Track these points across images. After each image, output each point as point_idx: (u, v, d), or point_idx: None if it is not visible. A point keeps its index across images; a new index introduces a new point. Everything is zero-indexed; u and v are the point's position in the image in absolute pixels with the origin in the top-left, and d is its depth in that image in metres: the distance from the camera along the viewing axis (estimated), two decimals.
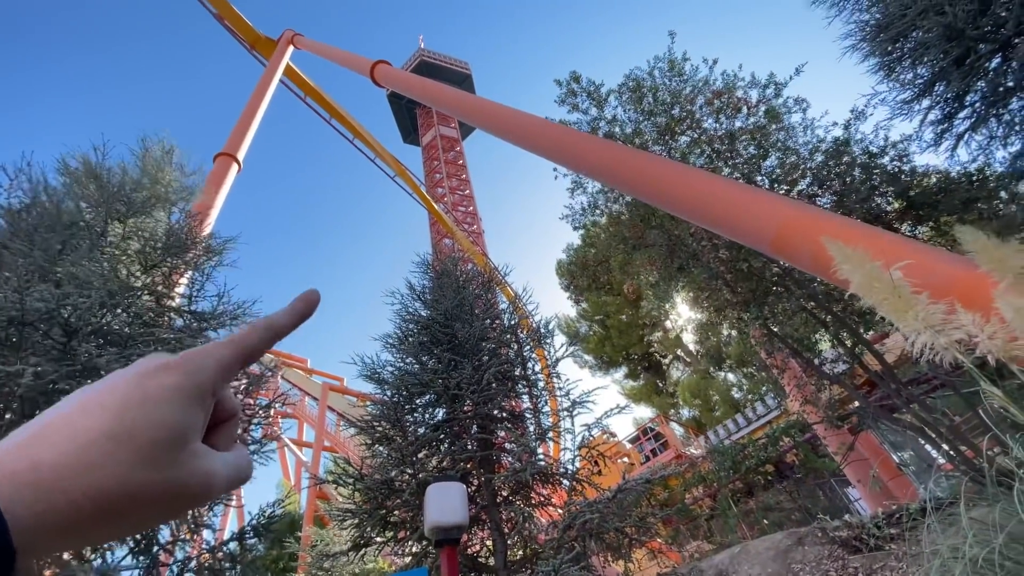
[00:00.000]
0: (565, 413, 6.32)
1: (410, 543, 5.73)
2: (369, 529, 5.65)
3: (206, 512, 5.04)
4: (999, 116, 5.31)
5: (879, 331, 8.10)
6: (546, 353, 6.94)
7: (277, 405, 6.27)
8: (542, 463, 6.15)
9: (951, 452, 5.52)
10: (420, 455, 5.91)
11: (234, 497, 5.33)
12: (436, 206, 30.24)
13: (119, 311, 4.83)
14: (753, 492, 13.17)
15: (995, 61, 4.97)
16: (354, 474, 5.68)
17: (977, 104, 5.27)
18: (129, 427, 0.29)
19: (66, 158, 6.38)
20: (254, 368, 5.79)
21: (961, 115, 5.43)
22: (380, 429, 6.06)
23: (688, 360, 25.64)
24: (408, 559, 6.21)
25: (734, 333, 9.49)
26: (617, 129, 7.65)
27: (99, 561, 4.38)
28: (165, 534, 4.72)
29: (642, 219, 7.94)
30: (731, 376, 23.69)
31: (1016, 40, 4.61)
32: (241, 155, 12.41)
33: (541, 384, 6.99)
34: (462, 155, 56.87)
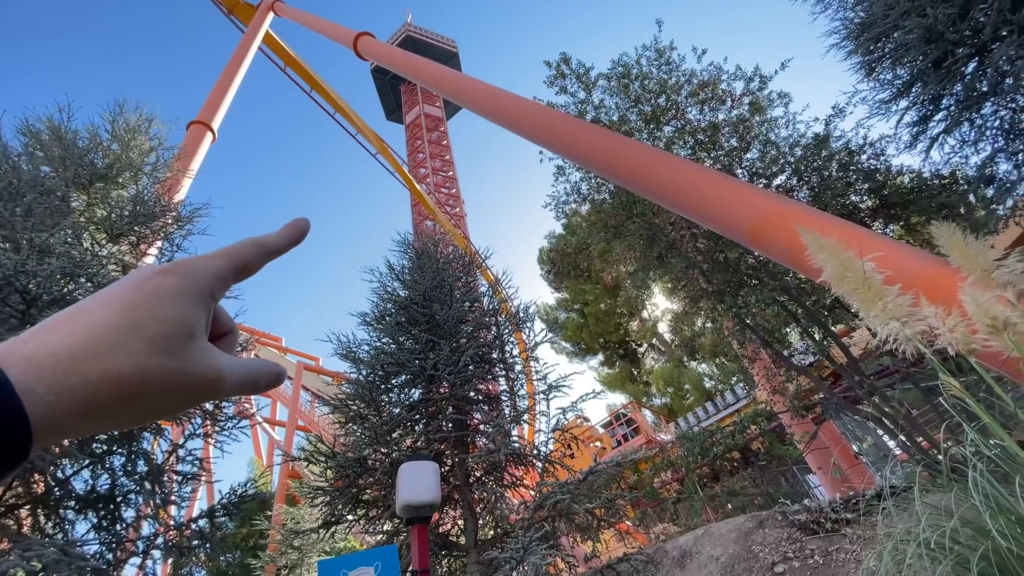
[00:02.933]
0: (541, 396, 6.38)
1: (382, 521, 5.76)
2: (340, 507, 5.65)
3: (174, 487, 4.96)
4: (972, 120, 5.46)
5: (846, 325, 8.37)
6: (524, 337, 6.97)
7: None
8: (516, 445, 6.22)
9: (907, 442, 5.78)
10: (394, 435, 5.91)
11: (204, 473, 5.25)
12: (418, 186, 29.81)
13: (83, 280, 4.64)
14: (719, 477, 13.61)
15: (971, 65, 5.08)
16: (326, 452, 5.65)
17: (952, 107, 5.40)
18: (136, 321, 0.29)
19: (30, 120, 6.05)
20: None
21: (937, 117, 5.56)
22: (355, 408, 6.02)
23: (663, 349, 26.13)
24: (380, 537, 6.24)
25: (708, 323, 9.69)
26: (603, 115, 7.62)
27: (60, 536, 4.27)
28: (131, 513, 4.63)
29: (624, 207, 7.97)
30: (703, 366, 24.25)
31: (993, 45, 4.72)
32: (216, 124, 11.97)
33: (518, 368, 7.02)
34: (446, 135, 56.01)
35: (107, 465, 4.47)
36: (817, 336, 6.95)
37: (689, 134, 7.12)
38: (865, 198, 6.34)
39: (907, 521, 2.27)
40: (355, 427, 6.03)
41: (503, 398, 6.86)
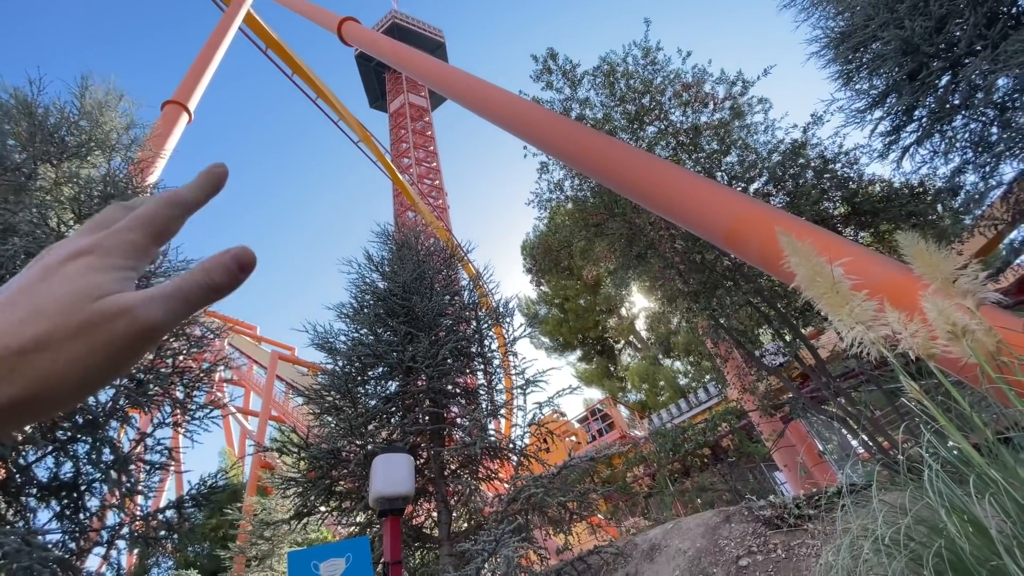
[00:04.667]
0: (519, 391, 6.42)
1: (355, 513, 5.73)
2: (313, 498, 5.60)
3: (141, 476, 4.84)
4: (943, 132, 5.66)
5: (816, 328, 8.61)
6: (504, 332, 6.99)
7: (221, 370, 6.05)
8: (492, 438, 6.25)
9: (869, 442, 6.00)
10: (370, 427, 5.88)
11: (173, 463, 5.13)
12: (401, 177, 29.47)
13: None
14: (690, 473, 13.91)
15: (945, 78, 5.26)
16: (300, 443, 5.59)
17: (924, 119, 5.59)
18: (39, 309, 0.28)
19: None
20: (195, 330, 5.53)
21: (909, 128, 5.75)
22: (330, 399, 5.97)
23: (639, 346, 26.51)
24: (353, 529, 6.22)
25: (684, 323, 9.86)
26: (588, 112, 7.65)
27: (22, 524, 4.13)
28: (95, 502, 4.51)
29: (605, 206, 8.04)
30: (678, 363, 24.69)
31: (967, 59, 4.89)
32: (192, 105, 11.60)
33: (497, 362, 7.05)
34: (431, 126, 55.43)
35: (71, 453, 4.34)
36: (787, 338, 7.16)
37: (671, 135, 7.21)
38: (838, 205, 6.53)
39: (865, 518, 2.35)
40: (330, 418, 5.98)
41: (481, 392, 6.88)
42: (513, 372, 6.61)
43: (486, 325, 7.15)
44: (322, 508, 5.80)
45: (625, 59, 7.56)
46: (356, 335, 6.40)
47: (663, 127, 7.54)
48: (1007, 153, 5.07)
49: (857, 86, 5.65)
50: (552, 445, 6.64)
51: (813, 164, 6.49)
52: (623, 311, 25.75)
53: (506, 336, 6.94)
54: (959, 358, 2.19)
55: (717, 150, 7.09)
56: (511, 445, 6.35)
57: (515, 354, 6.66)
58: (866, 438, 6.01)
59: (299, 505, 5.65)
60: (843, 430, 7.63)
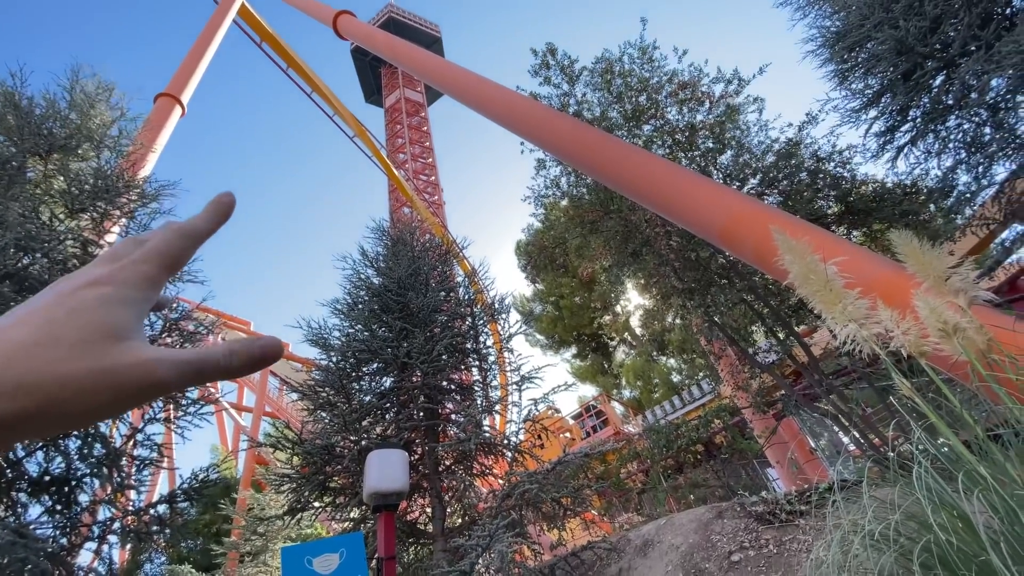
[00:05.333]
0: (514, 387, 6.43)
1: (349, 509, 5.73)
2: (307, 494, 5.59)
3: (132, 472, 4.81)
4: (937, 132, 5.69)
5: (809, 326, 8.67)
6: (499, 328, 7.00)
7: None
8: (487, 434, 6.26)
9: (860, 439, 6.06)
10: (364, 422, 5.87)
11: (164, 459, 5.10)
12: (396, 172, 29.35)
13: (38, 255, 4.43)
14: (683, 469, 14.01)
15: (939, 78, 5.29)
16: (294, 439, 5.57)
17: (918, 119, 5.62)
18: (56, 334, 0.29)
19: None
20: (188, 325, 5.50)
21: (903, 128, 5.78)
22: (324, 395, 5.95)
23: (634, 343, 26.59)
24: (347, 524, 6.21)
25: (678, 320, 9.90)
26: (585, 110, 7.64)
27: (12, 519, 4.10)
28: (86, 495, 4.48)
29: (601, 204, 8.04)
30: (672, 360, 24.79)
31: (960, 60, 4.92)
32: (186, 98, 11.49)
33: (492, 358, 7.05)
34: (427, 121, 55.20)
35: (61, 448, 4.30)
36: (781, 335, 7.20)
37: (668, 134, 7.22)
38: (831, 204, 6.57)
39: (855, 513, 2.37)
40: (324, 414, 5.97)
41: (476, 388, 6.88)
42: (508, 368, 6.62)
43: (481, 321, 7.15)
44: (316, 504, 5.80)
45: (622, 57, 7.56)
46: (350, 331, 6.38)
47: (660, 125, 7.55)
48: (999, 153, 5.11)
49: (852, 86, 5.67)
50: (546, 441, 6.66)
51: (807, 163, 6.53)
52: (618, 308, 25.82)
53: (501, 333, 6.95)
54: (950, 356, 2.20)
55: (712, 148, 7.10)
56: (506, 441, 6.36)
57: (510, 350, 6.67)
58: (857, 435, 6.07)
59: (293, 501, 5.64)
60: (835, 427, 7.70)
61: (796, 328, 7.40)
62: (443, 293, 7.09)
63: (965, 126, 5.34)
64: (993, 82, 4.95)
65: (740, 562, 4.38)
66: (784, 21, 6.29)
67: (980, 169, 5.34)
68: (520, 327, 6.71)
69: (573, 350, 28.00)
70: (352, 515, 6.00)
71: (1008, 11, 4.78)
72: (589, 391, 27.80)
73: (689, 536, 5.08)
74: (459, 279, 7.99)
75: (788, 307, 7.08)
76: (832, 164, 6.57)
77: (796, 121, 6.83)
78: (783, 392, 7.75)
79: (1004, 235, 7.67)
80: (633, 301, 25.11)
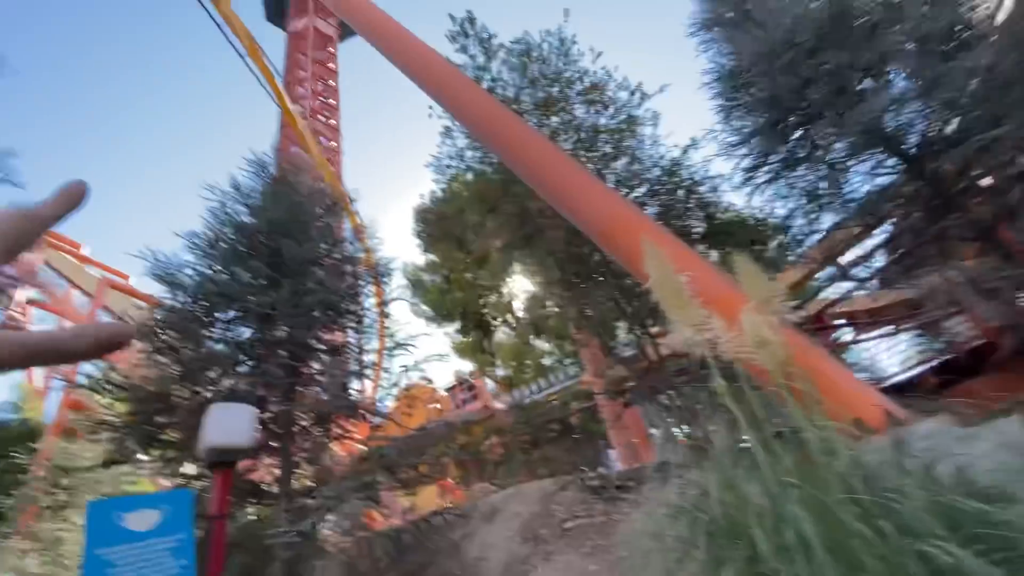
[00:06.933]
0: (388, 353, 6.32)
1: (181, 464, 5.22)
2: (131, 445, 4.97)
3: None
4: (788, 179, 6.66)
5: (663, 328, 9.73)
6: (383, 291, 6.79)
7: (28, 291, 5.01)
8: (353, 398, 6.09)
9: (687, 430, 7.02)
10: (211, 373, 5.34)
11: None
12: (291, 107, 26.54)
13: None
14: (539, 445, 15.00)
15: (797, 132, 6.18)
16: (120, 383, 4.89)
17: (776, 164, 6.53)
18: None
19: None
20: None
21: (764, 169, 6.67)
22: (165, 338, 5.28)
23: (514, 326, 27.56)
24: (180, 482, 5.66)
25: (556, 308, 10.48)
26: (499, 88, 7.61)
27: None
28: None
29: (503, 185, 8.13)
30: (546, 345, 26.20)
31: (817, 120, 5.78)
32: None
33: (370, 321, 6.82)
34: (335, 59, 50.48)
35: None
36: (639, 333, 8.00)
37: (574, 130, 7.50)
38: (699, 223, 7.42)
39: (669, 491, 2.73)
40: (163, 359, 5.31)
41: (348, 349, 6.62)
42: (385, 333, 6.48)
43: (363, 282, 6.86)
44: (141, 456, 5.18)
45: (541, 44, 7.64)
46: (207, 271, 5.71)
47: (568, 120, 7.80)
48: (828, 206, 6.18)
49: (732, 122, 6.41)
50: (415, 410, 6.68)
51: (685, 183, 7.27)
52: (504, 290, 26.49)
53: (383, 296, 6.76)
54: (759, 365, 2.61)
55: (610, 154, 7.55)
56: (372, 406, 6.25)
57: (389, 316, 6.52)
58: (686, 426, 7.03)
59: (113, 451, 4.97)
60: (670, 418, 8.80)
61: (652, 328, 8.25)
62: (324, 245, 6.65)
63: (809, 177, 6.33)
64: (837, 144, 5.91)
65: (572, 529, 4.85)
66: (693, 46, 6.84)
67: (812, 217, 6.41)
68: (406, 294, 6.59)
69: (457, 325, 28.17)
70: (188, 471, 5.47)
71: (859, 87, 5.71)
72: (466, 366, 28.29)
73: (532, 505, 5.49)
74: (346, 236, 7.55)
75: (648, 309, 7.88)
76: (704, 188, 7.39)
77: (683, 142, 7.54)
78: (633, 384, 8.65)
79: (821, 274, 9.32)
80: (519, 285, 25.96)
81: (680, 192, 7.37)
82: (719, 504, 2.28)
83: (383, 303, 6.85)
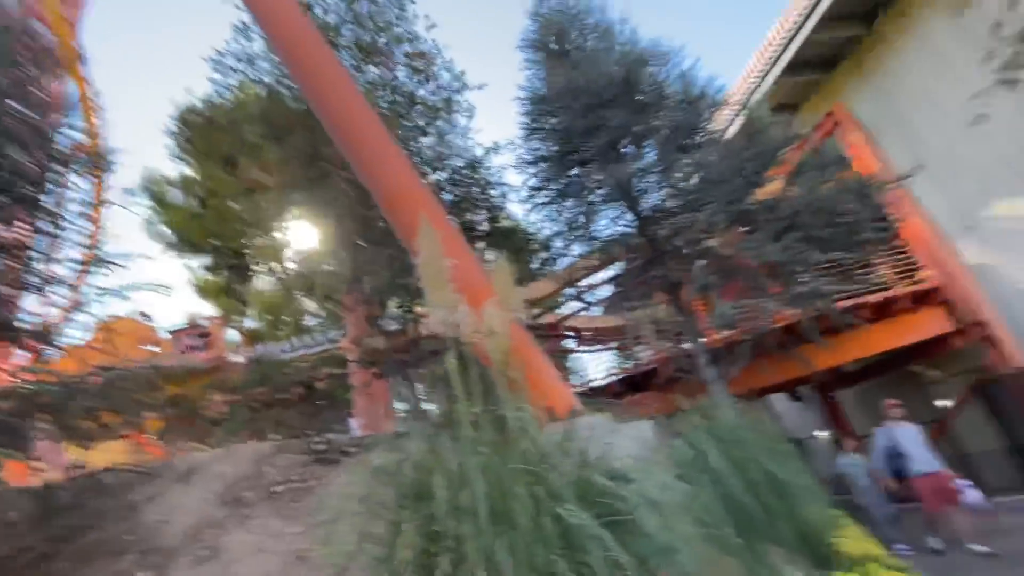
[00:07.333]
0: (93, 271, 4.97)
1: None
2: None
3: None
4: (559, 206, 7.72)
5: (427, 307, 10.14)
6: (102, 188, 5.34)
7: None
8: (24, 318, 4.64)
9: (426, 402, 7.47)
10: None
11: None
12: None
13: None
14: (274, 406, 13.87)
15: (575, 169, 7.23)
16: None
17: (554, 190, 7.52)
18: None
19: None
20: None
21: (544, 192, 7.60)
22: None
23: (279, 275, 24.85)
24: None
25: (330, 267, 9.91)
26: (320, 11, 6.80)
27: None
28: None
29: (300, 116, 7.28)
30: (311, 303, 24.42)
31: (587, 164, 6.86)
32: None
33: (79, 223, 5.24)
34: None
35: None
36: (406, 308, 8.18)
37: (391, 90, 7.23)
38: (482, 222, 8.01)
39: (384, 456, 2.87)
40: None
41: (35, 253, 4.95)
42: (95, 244, 5.11)
43: (76, 169, 5.25)
44: None
45: None
46: None
47: (388, 79, 7.47)
48: (580, 238, 7.42)
49: (531, 142, 7.15)
50: (116, 348, 5.46)
51: (480, 182, 7.77)
52: (277, 234, 23.65)
53: (101, 195, 5.33)
54: (486, 351, 2.97)
55: (420, 127, 7.53)
56: (46, 332, 4.84)
57: (100, 223, 5.15)
58: (426, 399, 7.49)
59: None
60: (416, 392, 9.22)
61: (418, 305, 8.53)
62: (20, 105, 4.84)
63: (574, 210, 7.47)
64: (598, 190, 7.10)
65: (280, 492, 4.65)
66: (517, 61, 7.34)
67: (568, 243, 7.60)
68: (146, 210, 5.29)
69: (207, 260, 23.84)
70: None
71: (624, 149, 6.97)
72: (207, 310, 24.21)
73: (241, 466, 5.06)
74: (63, 101, 5.67)
75: (419, 287, 8.11)
76: (495, 192, 8.03)
77: (487, 143, 7.99)
78: (388, 356, 8.79)
79: (565, 292, 11.10)
80: (295, 232, 23.53)
81: (475, 189, 7.82)
82: (415, 468, 2.51)
83: (99, 205, 5.39)
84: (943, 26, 6.73)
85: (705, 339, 6.93)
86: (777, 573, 3.83)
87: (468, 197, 7.59)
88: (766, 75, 8.93)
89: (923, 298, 7.78)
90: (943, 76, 6.92)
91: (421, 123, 7.55)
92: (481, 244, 8.17)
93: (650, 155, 6.87)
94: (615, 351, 10.46)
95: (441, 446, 2.58)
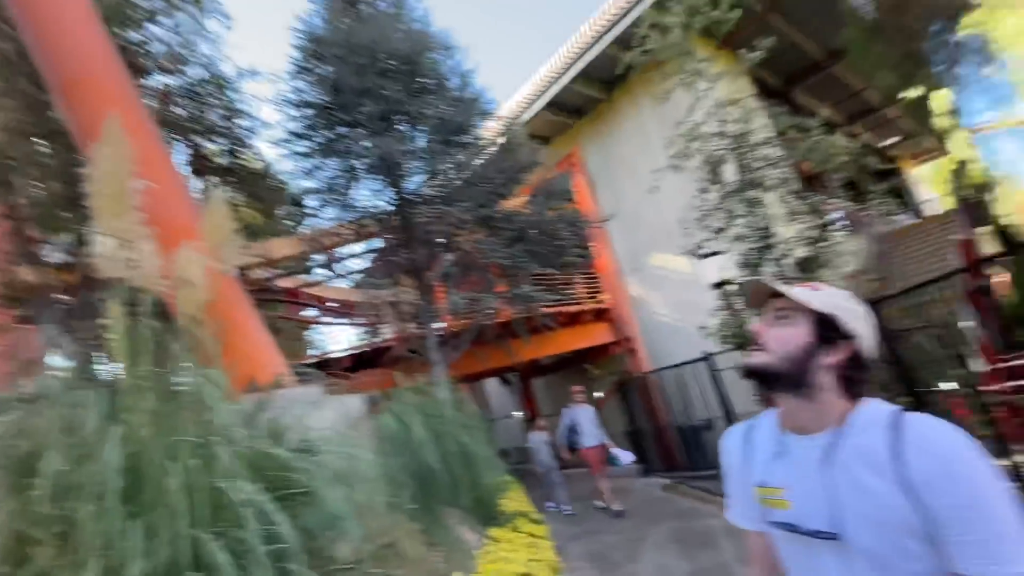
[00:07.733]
0: None
1: None
2: None
3: None
4: (318, 162, 7.07)
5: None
6: None
7: None
8: None
9: (88, 358, 5.82)
10: None
11: None
12: None
13: None
14: None
15: (343, 128, 6.74)
16: None
17: (316, 143, 6.88)
18: None
19: None
20: None
21: (305, 142, 6.85)
22: None
23: None
24: None
25: None
26: None
27: None
28: None
29: None
30: None
31: (357, 127, 6.49)
32: None
33: None
34: None
35: None
36: (85, 237, 6.23)
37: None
38: (219, 150, 6.76)
39: None
40: None
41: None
42: None
43: None
44: None
45: None
46: None
47: None
48: (335, 203, 7.01)
49: (298, 81, 6.41)
50: None
51: (222, 103, 6.53)
52: None
53: None
54: (176, 303, 2.50)
55: (148, 10, 5.82)
56: None
57: None
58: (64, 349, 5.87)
59: None
60: (78, 343, 7.12)
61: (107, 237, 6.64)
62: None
63: (335, 170, 6.97)
64: (363, 157, 6.75)
65: None
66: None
67: (321, 205, 7.09)
68: None
69: None
70: None
71: (396, 125, 6.83)
72: None
73: None
74: None
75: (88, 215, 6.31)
76: (244, 121, 6.89)
77: (244, 63, 6.74)
78: (43, 293, 6.59)
79: (315, 257, 10.25)
80: None
81: (217, 111, 6.50)
82: (24, 437, 1.96)
83: None
84: (650, 110, 8.90)
85: (438, 324, 7.40)
86: (450, 532, 4.35)
87: (203, 120, 6.24)
88: (530, 105, 10.23)
89: (600, 314, 10.35)
90: (643, 149, 9.18)
91: (146, 6, 5.85)
92: (214, 180, 6.84)
93: (420, 140, 6.95)
94: (359, 326, 10.22)
95: (73, 413, 2.06)
